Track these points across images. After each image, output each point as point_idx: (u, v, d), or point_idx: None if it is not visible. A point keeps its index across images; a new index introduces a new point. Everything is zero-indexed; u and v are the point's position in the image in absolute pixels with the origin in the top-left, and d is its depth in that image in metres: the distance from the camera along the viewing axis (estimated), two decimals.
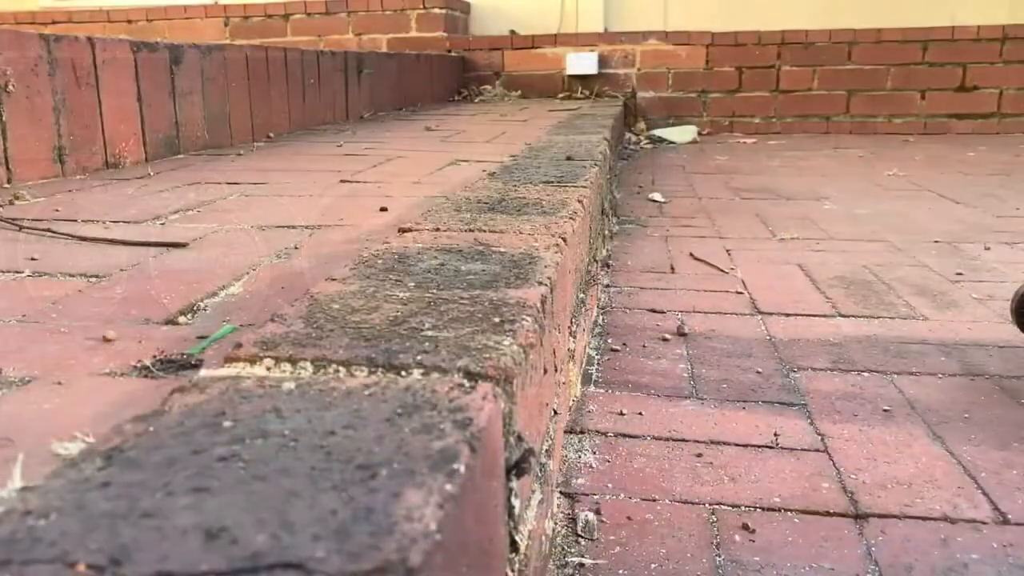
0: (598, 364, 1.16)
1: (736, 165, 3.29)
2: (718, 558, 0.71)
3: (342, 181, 1.69)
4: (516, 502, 0.50)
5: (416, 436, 0.39)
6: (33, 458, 0.48)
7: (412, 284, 0.66)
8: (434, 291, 0.64)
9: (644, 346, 1.23)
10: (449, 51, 4.70)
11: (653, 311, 1.40)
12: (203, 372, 0.47)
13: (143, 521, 0.31)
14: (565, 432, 0.94)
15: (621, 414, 1.00)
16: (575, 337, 1.00)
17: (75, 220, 1.27)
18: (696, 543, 0.74)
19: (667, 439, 0.94)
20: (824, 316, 1.36)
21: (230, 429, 0.40)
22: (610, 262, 1.74)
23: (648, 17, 4.87)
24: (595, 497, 0.82)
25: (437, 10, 4.59)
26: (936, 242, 1.85)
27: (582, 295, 1.11)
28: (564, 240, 0.86)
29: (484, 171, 1.59)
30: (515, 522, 0.50)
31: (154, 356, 0.68)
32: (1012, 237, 1.90)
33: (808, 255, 1.78)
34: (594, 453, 0.91)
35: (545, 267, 0.72)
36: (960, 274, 1.60)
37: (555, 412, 0.77)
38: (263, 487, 0.34)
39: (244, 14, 4.75)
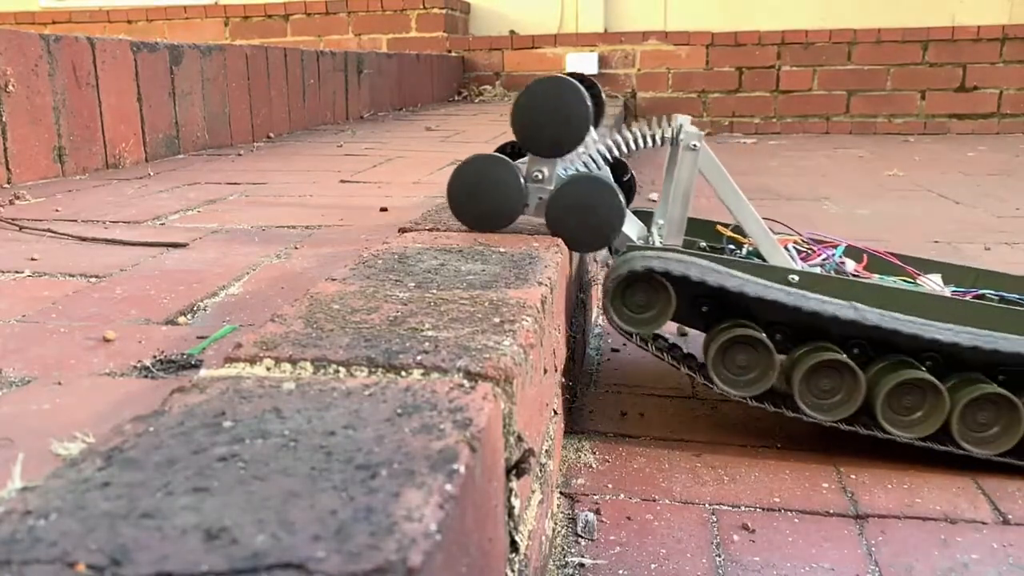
0: (598, 364, 1.16)
1: (736, 165, 3.29)
2: (718, 558, 0.71)
3: (342, 181, 1.69)
4: (516, 502, 0.50)
5: (416, 436, 0.39)
6: (33, 458, 0.48)
7: (412, 284, 0.66)
8: (434, 291, 0.64)
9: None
10: (449, 51, 4.70)
11: None
12: (203, 372, 0.47)
13: (143, 521, 0.31)
14: (565, 432, 0.94)
15: (622, 414, 1.00)
16: (575, 337, 1.00)
17: (75, 220, 1.27)
18: (696, 543, 0.74)
19: (667, 439, 0.94)
20: None
21: (230, 429, 0.40)
22: (610, 262, 1.74)
23: (648, 17, 4.87)
24: (595, 497, 0.82)
25: (437, 10, 4.59)
26: (936, 242, 1.85)
27: (582, 295, 1.11)
28: None
29: None
30: (515, 522, 0.50)
31: (154, 356, 0.68)
32: (1012, 237, 1.90)
33: None
34: (594, 453, 0.91)
35: (545, 267, 0.72)
36: None
37: (555, 412, 0.77)
38: (263, 487, 0.34)
39: (244, 14, 4.75)
